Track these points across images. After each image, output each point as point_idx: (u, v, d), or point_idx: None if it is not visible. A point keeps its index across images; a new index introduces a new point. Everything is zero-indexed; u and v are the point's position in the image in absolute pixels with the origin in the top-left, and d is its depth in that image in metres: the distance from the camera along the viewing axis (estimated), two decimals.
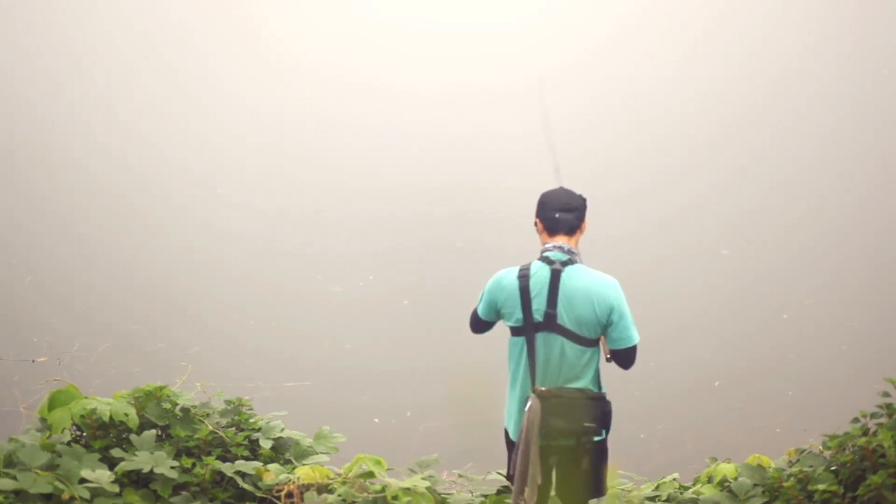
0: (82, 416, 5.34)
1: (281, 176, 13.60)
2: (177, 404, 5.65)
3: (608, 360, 4.86)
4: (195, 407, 5.69)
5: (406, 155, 14.09)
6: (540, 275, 4.76)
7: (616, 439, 5.07)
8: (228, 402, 5.88)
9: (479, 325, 5.04)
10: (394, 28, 16.92)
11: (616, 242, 11.12)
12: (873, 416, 5.12)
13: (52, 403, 5.42)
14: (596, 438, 4.80)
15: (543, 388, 4.72)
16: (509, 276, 4.83)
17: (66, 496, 4.87)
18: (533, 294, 4.74)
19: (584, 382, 4.77)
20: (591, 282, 4.74)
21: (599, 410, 4.75)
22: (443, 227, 12.48)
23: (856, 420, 5.16)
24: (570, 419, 4.70)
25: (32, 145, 13.99)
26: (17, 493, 4.80)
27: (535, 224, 4.93)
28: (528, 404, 4.74)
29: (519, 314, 4.77)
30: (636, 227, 12.09)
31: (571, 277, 4.74)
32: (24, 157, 13.72)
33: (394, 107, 15.07)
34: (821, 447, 5.36)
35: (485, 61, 16.16)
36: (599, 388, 4.85)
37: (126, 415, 5.35)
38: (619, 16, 17.08)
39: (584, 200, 4.94)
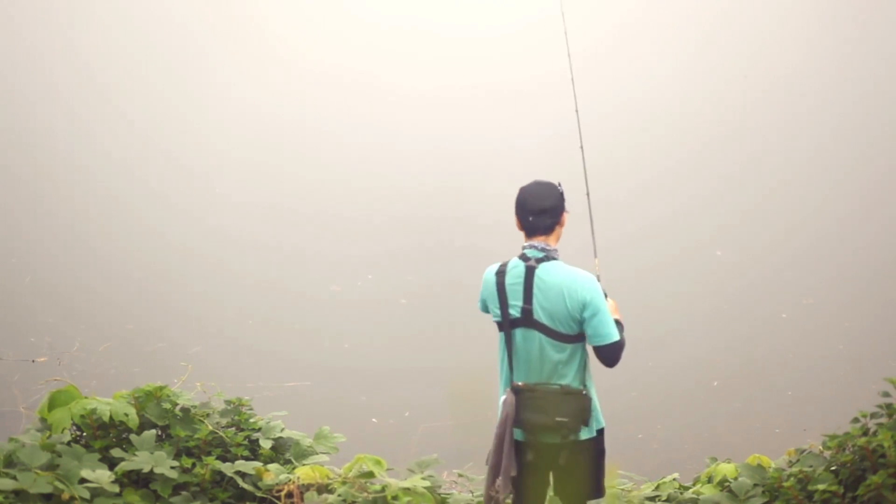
0: (82, 416, 5.34)
1: (280, 176, 13.60)
2: (177, 404, 5.65)
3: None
4: (195, 407, 5.69)
5: (405, 156, 14.09)
6: (516, 271, 4.80)
7: (615, 439, 5.07)
8: (228, 402, 5.88)
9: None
10: (396, 30, 16.91)
11: (615, 243, 11.14)
12: (873, 416, 5.12)
13: (52, 403, 5.42)
14: (584, 437, 4.78)
15: (520, 383, 4.74)
16: (491, 272, 4.88)
17: (66, 496, 4.87)
18: (509, 290, 4.79)
19: (567, 379, 4.77)
20: (564, 277, 4.76)
21: (575, 406, 4.73)
22: (442, 227, 12.48)
23: (856, 420, 5.16)
24: (542, 413, 4.71)
25: (31, 146, 13.99)
26: (17, 493, 4.80)
27: (516, 220, 4.94)
28: (503, 398, 4.78)
29: (498, 310, 4.81)
30: (635, 227, 12.10)
31: (547, 273, 4.76)
32: (22, 157, 13.72)
33: (394, 108, 15.07)
34: (821, 447, 5.36)
35: (485, 63, 16.16)
36: (585, 385, 4.82)
37: (126, 415, 5.35)
38: (617, 19, 17.07)
39: (559, 194, 4.87)
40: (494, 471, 4.77)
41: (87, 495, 4.93)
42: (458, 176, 13.56)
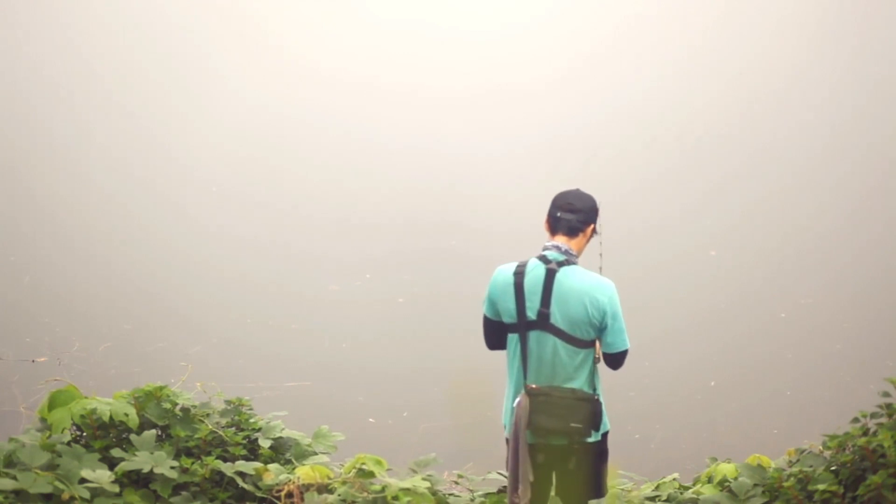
0: (82, 416, 5.34)
1: (280, 176, 13.60)
2: (177, 404, 5.65)
3: (597, 360, 4.85)
4: (195, 407, 5.70)
5: (404, 157, 14.10)
6: (535, 273, 4.76)
7: (615, 440, 5.07)
8: (228, 402, 5.88)
9: (489, 329, 4.97)
10: (396, 31, 16.93)
11: (614, 244, 11.12)
12: (873, 416, 5.13)
13: (52, 403, 5.42)
14: (590, 440, 4.79)
15: (534, 385, 4.73)
16: (506, 271, 4.84)
17: (66, 496, 4.87)
18: (527, 292, 4.75)
19: (578, 383, 4.77)
20: (585, 283, 4.74)
21: (587, 411, 4.73)
22: (440, 227, 12.48)
23: (856, 420, 5.17)
24: (556, 418, 4.70)
25: (31, 146, 13.99)
26: (17, 493, 4.80)
27: (545, 221, 4.93)
28: (517, 400, 4.76)
29: (513, 311, 4.78)
30: (634, 228, 12.09)
31: (567, 277, 4.74)
32: (22, 157, 13.71)
33: (393, 109, 15.08)
34: (821, 447, 5.36)
35: (485, 65, 16.18)
36: (594, 389, 4.82)
37: (126, 415, 5.35)
38: (617, 21, 17.10)
39: (593, 204, 4.90)
40: (515, 476, 4.76)
41: (87, 495, 4.93)
42: (457, 177, 13.56)
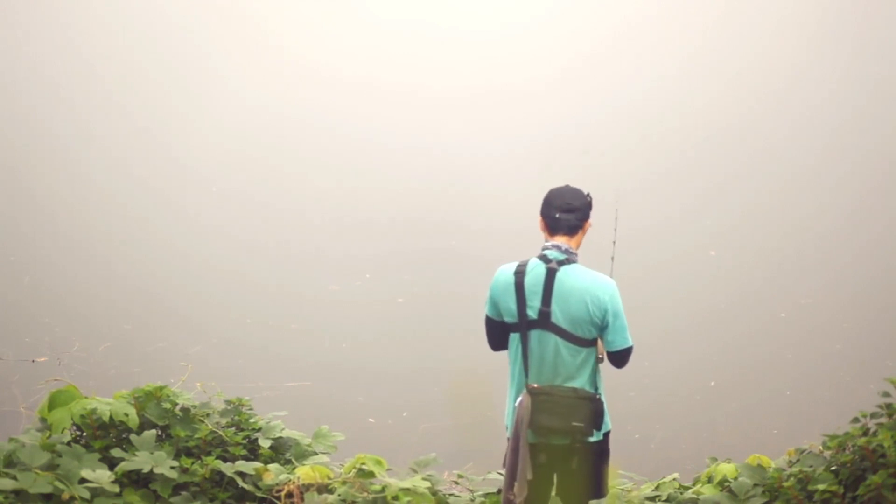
0: (82, 416, 5.34)
1: (280, 176, 13.60)
2: (177, 404, 5.65)
3: (600, 360, 4.86)
4: (195, 407, 5.70)
5: (404, 157, 14.09)
6: (536, 272, 4.77)
7: (615, 440, 5.07)
8: (228, 402, 5.88)
9: (491, 329, 4.97)
10: (396, 32, 16.92)
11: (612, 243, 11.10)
12: (873, 416, 5.13)
13: (52, 403, 5.43)
14: (592, 439, 4.79)
15: (535, 385, 4.73)
16: (507, 271, 4.85)
17: (66, 496, 4.87)
18: (528, 291, 4.75)
19: (580, 382, 4.78)
20: (586, 281, 4.75)
21: (589, 410, 4.74)
22: (440, 227, 12.47)
23: (856, 420, 5.17)
24: (559, 417, 4.70)
25: (31, 146, 13.98)
26: (17, 493, 4.80)
27: (539, 221, 4.94)
28: (519, 399, 4.77)
29: (514, 310, 4.78)
30: (633, 228, 12.09)
31: (568, 276, 4.74)
32: (22, 157, 13.71)
33: (393, 109, 15.07)
34: (821, 447, 5.37)
35: (485, 65, 16.17)
36: (596, 388, 4.83)
37: (126, 415, 5.36)
38: (617, 21, 17.10)
39: (588, 200, 4.92)
40: (512, 474, 4.76)
41: (87, 495, 4.93)
42: (457, 177, 13.55)
